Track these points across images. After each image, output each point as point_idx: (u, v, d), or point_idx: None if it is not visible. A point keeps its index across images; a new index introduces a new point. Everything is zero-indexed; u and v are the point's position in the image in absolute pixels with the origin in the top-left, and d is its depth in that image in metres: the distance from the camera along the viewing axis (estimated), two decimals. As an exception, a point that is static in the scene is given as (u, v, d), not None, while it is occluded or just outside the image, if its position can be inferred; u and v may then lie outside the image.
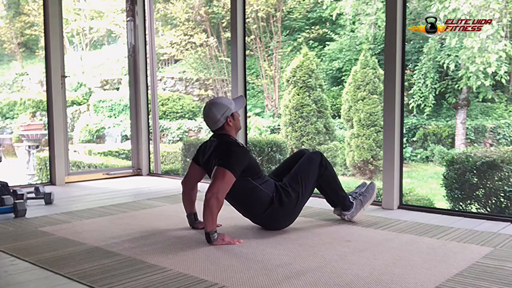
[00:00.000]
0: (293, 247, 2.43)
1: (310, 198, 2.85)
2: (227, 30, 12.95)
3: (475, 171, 4.47)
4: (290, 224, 2.81)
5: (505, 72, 9.54)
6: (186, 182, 2.86)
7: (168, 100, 12.04)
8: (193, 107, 12.31)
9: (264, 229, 2.79)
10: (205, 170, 2.79)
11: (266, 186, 2.67)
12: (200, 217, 2.82)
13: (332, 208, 3.04)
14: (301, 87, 9.17)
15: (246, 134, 4.45)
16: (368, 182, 3.13)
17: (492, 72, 9.42)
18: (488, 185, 4.47)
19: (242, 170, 2.55)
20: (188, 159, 7.41)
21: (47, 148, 5.20)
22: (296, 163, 2.84)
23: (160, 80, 13.46)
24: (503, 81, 9.78)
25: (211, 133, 2.78)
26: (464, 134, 10.55)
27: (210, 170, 2.64)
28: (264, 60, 12.93)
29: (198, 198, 2.91)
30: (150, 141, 5.51)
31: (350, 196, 2.96)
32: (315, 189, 2.88)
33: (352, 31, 12.12)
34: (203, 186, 3.02)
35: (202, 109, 2.74)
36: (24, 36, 16.59)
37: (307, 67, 9.21)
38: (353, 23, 11.93)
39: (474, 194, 4.51)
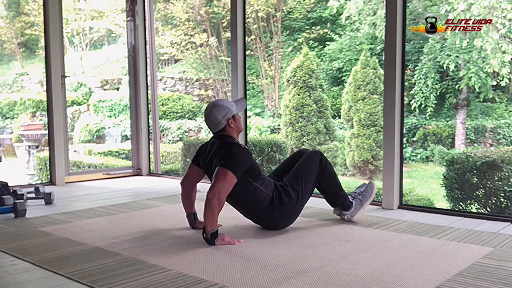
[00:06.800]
0: (293, 247, 2.43)
1: (310, 198, 2.85)
2: (227, 30, 12.95)
3: (475, 171, 4.47)
4: (290, 223, 2.81)
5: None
6: (186, 182, 2.86)
7: (168, 100, 12.05)
8: (193, 107, 12.31)
9: (264, 229, 2.80)
10: (205, 172, 2.78)
11: (266, 187, 2.67)
12: (200, 217, 2.82)
13: (332, 208, 3.04)
14: (302, 87, 9.17)
15: (246, 134, 4.45)
16: (367, 182, 3.13)
17: (508, 72, 9.44)
18: (488, 185, 4.47)
19: (243, 171, 2.55)
20: (188, 159, 7.41)
21: (47, 148, 5.20)
22: (296, 163, 2.85)
23: (160, 80, 13.46)
24: (506, 80, 9.80)
25: (211, 134, 2.77)
26: (464, 134, 10.56)
27: (212, 171, 2.64)
28: (264, 60, 12.93)
29: (198, 198, 2.91)
30: (150, 141, 5.50)
31: (349, 196, 2.96)
32: (315, 189, 2.88)
33: (356, 30, 12.09)
34: (203, 186, 3.02)
35: (204, 111, 2.74)
36: (24, 36, 16.59)
37: (308, 67, 9.21)
38: (353, 22, 11.93)
39: (474, 194, 4.51)
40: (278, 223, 2.76)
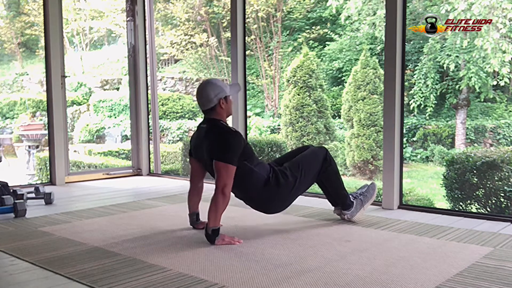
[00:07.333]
0: (293, 247, 2.43)
1: (310, 198, 2.85)
2: (227, 30, 12.95)
3: (475, 171, 4.47)
4: (283, 209, 2.78)
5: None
6: (192, 178, 2.85)
7: (168, 100, 12.04)
8: (193, 107, 12.31)
9: (264, 229, 2.79)
10: (196, 157, 2.76)
11: (260, 168, 2.66)
12: (202, 218, 2.82)
13: (332, 208, 3.03)
14: (302, 87, 9.17)
15: (246, 134, 4.45)
16: (369, 183, 3.13)
17: (508, 72, 9.44)
18: (488, 185, 4.47)
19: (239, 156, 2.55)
20: (188, 159, 7.41)
21: (47, 148, 5.20)
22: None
23: (160, 80, 13.47)
24: (506, 80, 9.80)
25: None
26: (464, 134, 10.55)
27: (202, 154, 2.64)
28: (264, 60, 12.93)
29: (203, 199, 2.89)
30: (150, 141, 5.50)
31: (350, 196, 2.96)
32: (317, 187, 2.87)
33: (356, 30, 12.08)
34: (207, 187, 3.01)
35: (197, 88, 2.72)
36: (24, 36, 16.60)
37: (308, 67, 9.21)
38: (352, 22, 11.93)
39: (474, 194, 4.51)
40: (271, 205, 2.74)
